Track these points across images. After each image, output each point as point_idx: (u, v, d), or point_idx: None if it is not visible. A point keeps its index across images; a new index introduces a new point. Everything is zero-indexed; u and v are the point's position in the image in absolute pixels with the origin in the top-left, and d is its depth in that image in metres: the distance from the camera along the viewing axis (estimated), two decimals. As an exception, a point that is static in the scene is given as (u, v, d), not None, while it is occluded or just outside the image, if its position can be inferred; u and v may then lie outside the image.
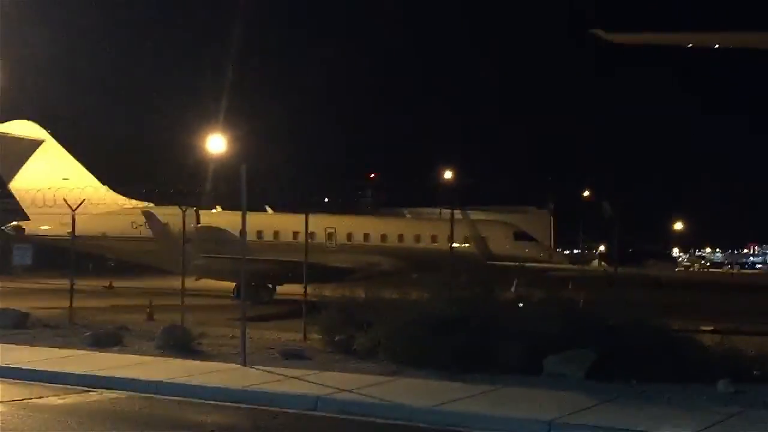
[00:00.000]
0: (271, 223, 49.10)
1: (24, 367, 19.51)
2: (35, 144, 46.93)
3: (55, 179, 45.96)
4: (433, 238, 48.15)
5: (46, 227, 46.36)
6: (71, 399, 16.97)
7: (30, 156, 46.92)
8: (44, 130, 47.50)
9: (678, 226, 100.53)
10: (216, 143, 62.31)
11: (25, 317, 26.60)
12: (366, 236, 49.06)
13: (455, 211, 53.54)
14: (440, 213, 53.21)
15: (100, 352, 21.80)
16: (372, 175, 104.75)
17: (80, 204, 32.10)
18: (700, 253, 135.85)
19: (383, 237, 48.92)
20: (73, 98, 69.20)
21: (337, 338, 21.68)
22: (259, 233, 48.16)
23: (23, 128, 47.10)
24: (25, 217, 46.92)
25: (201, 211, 46.56)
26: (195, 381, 17.99)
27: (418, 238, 48.95)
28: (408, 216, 58.17)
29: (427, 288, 22.21)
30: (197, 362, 20.32)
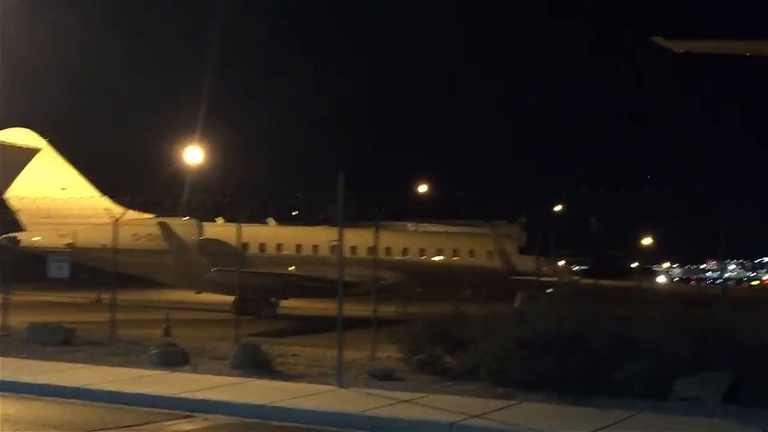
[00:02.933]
0: (274, 235, 48.08)
1: (106, 389, 18.42)
2: (32, 152, 45.52)
3: (53, 189, 44.61)
4: (440, 252, 47.59)
5: (37, 238, 45.00)
6: (194, 425, 16.02)
7: (26, 165, 45.51)
8: (42, 139, 46.14)
9: (646, 241, 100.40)
10: (195, 154, 61.46)
11: (70, 333, 25.38)
12: (371, 249, 48.15)
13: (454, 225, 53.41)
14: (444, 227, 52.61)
15: (173, 372, 20.73)
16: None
17: (123, 214, 31.04)
18: (662, 268, 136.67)
19: (388, 250, 48.07)
20: (64, 106, 67.59)
21: (422, 357, 20.83)
22: (262, 246, 47.17)
23: (20, 136, 45.70)
24: (21, 228, 45.50)
25: (203, 223, 45.61)
26: (301, 405, 17.03)
27: (423, 252, 48.28)
28: (412, 228, 57.36)
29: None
30: (287, 383, 19.33)
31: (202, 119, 65.86)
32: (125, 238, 44.65)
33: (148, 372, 20.72)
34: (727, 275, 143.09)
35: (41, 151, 45.76)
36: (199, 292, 46.55)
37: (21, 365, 21.09)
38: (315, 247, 46.90)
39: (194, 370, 21.00)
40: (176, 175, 63.49)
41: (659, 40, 26.10)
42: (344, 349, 25.74)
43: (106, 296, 50.71)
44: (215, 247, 43.99)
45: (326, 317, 39.65)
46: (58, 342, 24.70)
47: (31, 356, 22.77)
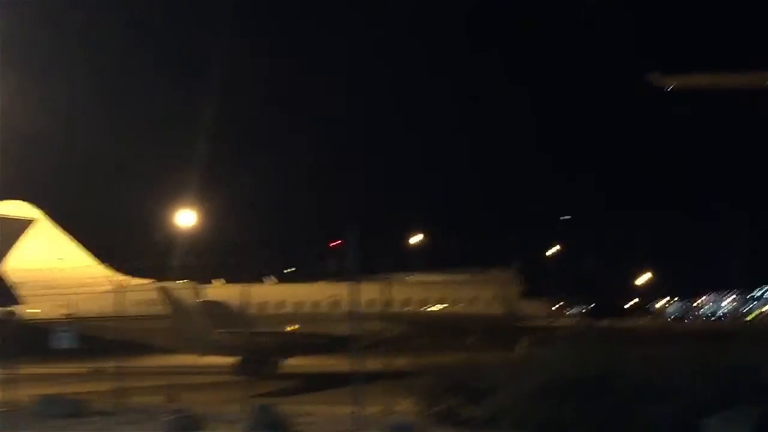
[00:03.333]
0: (274, 294, 47.81)
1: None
2: (27, 224, 45.37)
3: (50, 260, 44.45)
4: (442, 301, 47.34)
5: (34, 310, 44.66)
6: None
7: (22, 236, 45.34)
8: (37, 210, 45.97)
9: (641, 280, 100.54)
10: (186, 217, 61.55)
11: (79, 404, 25.09)
12: (370, 302, 47.91)
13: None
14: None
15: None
16: (333, 244, 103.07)
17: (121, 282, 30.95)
18: (660, 305, 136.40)
19: (387, 303, 47.83)
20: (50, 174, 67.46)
21: (439, 409, 20.62)
22: (263, 305, 46.87)
23: (14, 208, 45.60)
24: (15, 301, 45.22)
25: (203, 286, 45.38)
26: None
27: (425, 302, 48.02)
28: (409, 280, 57.01)
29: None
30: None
31: (192, 183, 66.09)
32: (125, 305, 44.58)
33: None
34: (721, 311, 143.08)
35: (36, 221, 45.55)
36: (202, 355, 46.14)
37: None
38: (315, 303, 46.63)
39: (207, 435, 20.76)
40: (167, 239, 63.53)
41: (655, 78, 26.28)
42: (335, 404, 25.82)
43: (106, 365, 50.76)
44: (217, 309, 43.72)
45: (328, 373, 39.41)
46: (68, 414, 24.40)
47: (44, 430, 22.48)
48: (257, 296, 47.14)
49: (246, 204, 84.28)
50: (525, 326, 44.54)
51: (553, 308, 50.42)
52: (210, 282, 46.53)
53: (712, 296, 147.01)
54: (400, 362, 24.92)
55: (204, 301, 43.80)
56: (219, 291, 46.23)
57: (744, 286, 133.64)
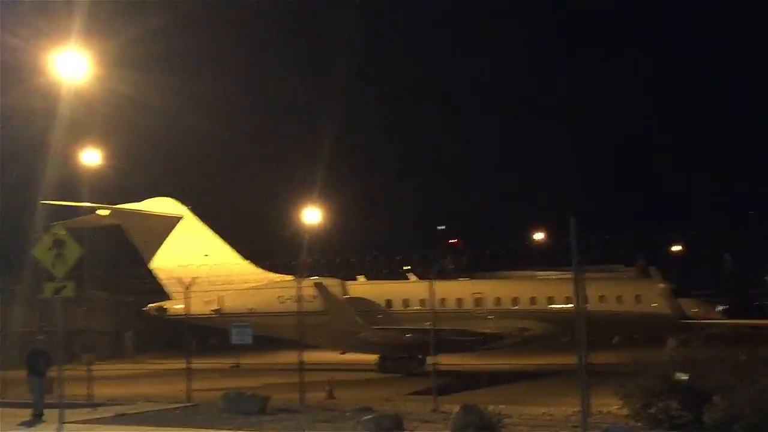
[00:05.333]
0: (417, 291, 47.20)
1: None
2: (175, 221, 45.71)
3: (196, 255, 44.64)
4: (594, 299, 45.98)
5: (179, 306, 44.89)
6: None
7: (169, 233, 45.70)
8: (183, 207, 46.28)
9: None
10: (313, 214, 61.80)
11: (266, 402, 24.84)
12: (515, 300, 47.02)
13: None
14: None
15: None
16: (452, 241, 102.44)
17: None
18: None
19: (533, 300, 46.87)
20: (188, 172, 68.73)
21: (653, 411, 19.68)
22: (405, 302, 46.40)
23: (162, 205, 46.00)
24: (166, 297, 45.55)
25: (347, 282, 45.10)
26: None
27: (568, 300, 46.75)
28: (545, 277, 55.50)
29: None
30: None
31: (319, 180, 66.41)
32: (271, 302, 44.58)
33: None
34: None
35: (183, 218, 45.85)
36: (344, 353, 45.89)
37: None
38: (459, 300, 45.92)
39: (418, 437, 20.21)
40: (296, 236, 63.87)
41: None
42: (548, 404, 25.04)
43: (245, 362, 50.99)
44: (362, 305, 43.45)
45: (476, 372, 38.72)
46: (256, 411, 24.20)
47: (237, 428, 22.25)
48: (399, 293, 46.87)
49: (364, 204, 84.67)
50: (695, 324, 43.19)
51: (713, 307, 48.67)
52: (354, 279, 46.28)
53: None
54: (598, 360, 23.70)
55: (350, 297, 43.52)
56: (363, 288, 45.95)
57: None
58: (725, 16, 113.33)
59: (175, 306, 44.99)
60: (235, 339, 29.20)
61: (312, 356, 49.54)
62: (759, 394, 17.23)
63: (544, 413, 23.51)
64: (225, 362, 48.85)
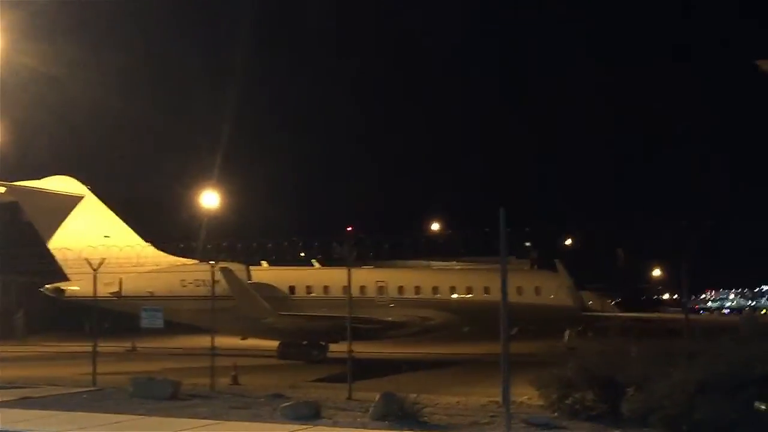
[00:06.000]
0: (320, 277, 47.10)
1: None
2: (75, 200, 44.50)
3: (96, 237, 43.59)
4: (486, 290, 46.54)
5: (75, 288, 43.82)
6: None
7: (69, 213, 44.48)
8: (83, 186, 45.05)
9: (656, 273, 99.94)
10: (210, 198, 60.92)
11: (177, 387, 24.36)
12: (417, 289, 47.27)
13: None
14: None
15: (315, 427, 19.76)
16: (348, 229, 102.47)
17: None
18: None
19: (435, 289, 47.18)
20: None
21: (570, 402, 19.98)
22: (308, 288, 46.24)
23: (62, 184, 44.70)
24: (64, 278, 44.37)
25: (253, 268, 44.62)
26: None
27: (470, 290, 47.27)
28: (454, 266, 56.02)
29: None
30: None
31: (218, 164, 65.52)
32: (173, 285, 43.86)
33: (294, 427, 19.65)
34: (728, 304, 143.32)
35: (84, 198, 44.67)
36: (244, 338, 45.43)
37: (160, 424, 20.12)
38: (362, 288, 45.90)
39: (336, 425, 20.01)
40: (193, 219, 62.88)
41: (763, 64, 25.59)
42: (457, 394, 25.21)
43: (140, 345, 49.99)
44: (266, 291, 43.08)
45: (377, 360, 38.79)
46: (167, 396, 23.71)
47: (149, 413, 21.75)
48: (302, 279, 46.67)
49: (266, 190, 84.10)
50: (594, 316, 44.08)
51: (608, 300, 49.80)
52: (258, 264, 45.79)
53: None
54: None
55: (255, 283, 43.07)
56: (265, 273, 45.53)
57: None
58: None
59: (72, 287, 43.95)
60: (145, 323, 28.60)
61: (207, 341, 49.20)
62: (678, 385, 17.56)
63: (458, 402, 23.63)
64: (121, 345, 47.70)
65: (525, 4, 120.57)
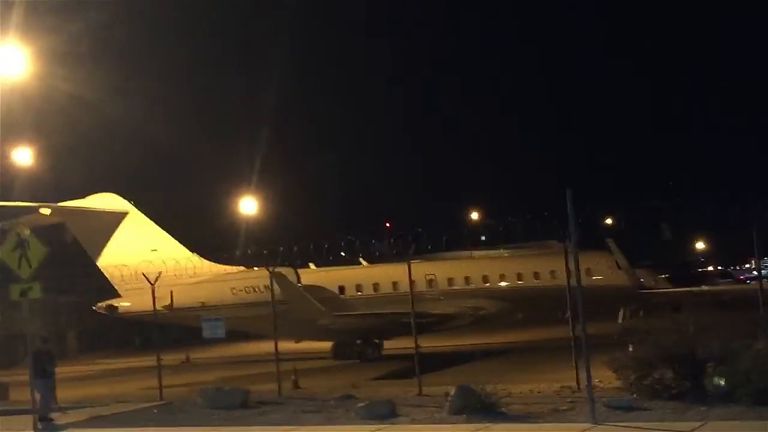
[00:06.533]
0: (367, 275, 46.82)
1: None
2: (120, 217, 44.61)
3: (144, 251, 43.68)
4: (536, 275, 46.08)
5: (126, 304, 43.92)
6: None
7: (115, 230, 44.59)
8: (127, 202, 45.16)
9: (700, 245, 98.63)
10: (249, 204, 60.69)
11: (246, 395, 24.25)
12: (467, 279, 46.87)
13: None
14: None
15: (394, 425, 19.53)
16: (387, 224, 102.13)
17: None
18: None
19: (485, 278, 46.76)
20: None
21: (648, 382, 19.61)
22: (358, 287, 45.98)
23: (106, 201, 44.86)
24: (116, 295, 44.51)
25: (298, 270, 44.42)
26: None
27: (520, 277, 46.78)
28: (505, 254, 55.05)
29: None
30: (535, 425, 18.14)
31: (256, 168, 65.44)
32: (224, 294, 43.82)
33: (374, 427, 19.42)
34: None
35: (128, 214, 44.77)
36: (299, 341, 45.29)
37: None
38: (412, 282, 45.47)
39: (414, 421, 19.79)
40: (232, 227, 62.87)
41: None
42: (528, 381, 24.94)
43: (194, 356, 50.11)
44: (317, 293, 42.92)
45: (434, 354, 38.56)
46: (237, 405, 23.60)
47: (225, 423, 21.64)
48: (352, 279, 46.45)
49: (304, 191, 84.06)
50: (650, 293, 43.63)
51: (659, 276, 49.18)
52: (306, 267, 45.66)
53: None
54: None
55: (307, 286, 42.93)
56: (314, 275, 45.42)
57: None
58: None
59: (123, 303, 44.09)
60: (206, 333, 28.53)
61: (258, 347, 49.22)
62: (762, 358, 17.17)
63: (531, 390, 23.39)
64: (175, 358, 47.84)
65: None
